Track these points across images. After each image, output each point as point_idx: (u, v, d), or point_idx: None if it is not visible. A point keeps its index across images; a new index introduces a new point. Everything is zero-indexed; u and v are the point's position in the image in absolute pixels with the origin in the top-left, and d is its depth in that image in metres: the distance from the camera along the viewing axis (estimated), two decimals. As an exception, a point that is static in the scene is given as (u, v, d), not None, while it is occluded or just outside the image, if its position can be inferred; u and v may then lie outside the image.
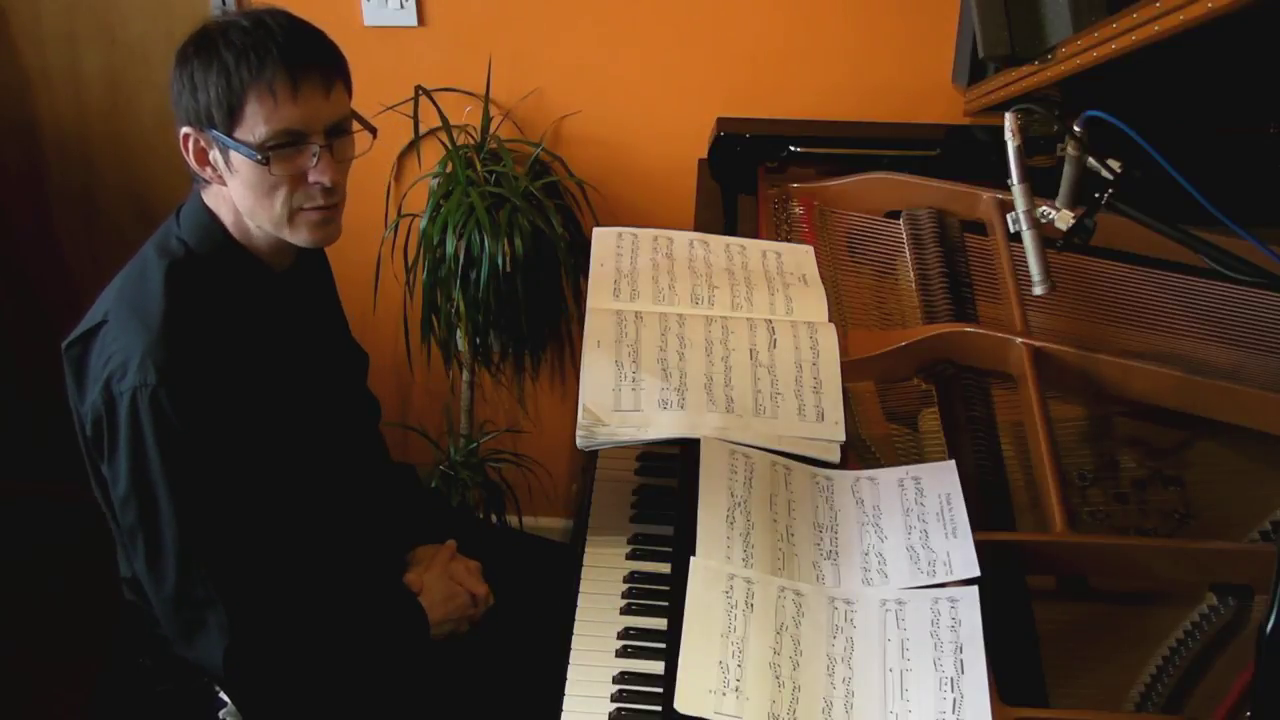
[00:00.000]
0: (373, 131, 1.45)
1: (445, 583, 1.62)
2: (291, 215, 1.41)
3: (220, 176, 1.40)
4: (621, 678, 1.35)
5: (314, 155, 1.38)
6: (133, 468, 1.36)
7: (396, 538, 1.70)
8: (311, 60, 1.37)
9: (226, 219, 1.45)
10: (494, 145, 2.24)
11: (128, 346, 1.36)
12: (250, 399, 1.42)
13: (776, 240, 1.81)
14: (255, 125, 1.35)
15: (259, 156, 1.35)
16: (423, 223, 2.23)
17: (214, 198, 1.45)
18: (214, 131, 1.36)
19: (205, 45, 1.35)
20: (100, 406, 1.37)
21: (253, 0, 2.28)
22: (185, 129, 1.38)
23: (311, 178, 1.39)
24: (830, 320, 1.61)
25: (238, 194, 1.41)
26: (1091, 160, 1.41)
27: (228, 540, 1.40)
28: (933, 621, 1.25)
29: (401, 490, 1.79)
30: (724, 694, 1.17)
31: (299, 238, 1.44)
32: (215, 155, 1.39)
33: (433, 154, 2.31)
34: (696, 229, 1.83)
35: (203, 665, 1.44)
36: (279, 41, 1.35)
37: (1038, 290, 1.43)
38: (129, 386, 1.34)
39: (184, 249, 1.43)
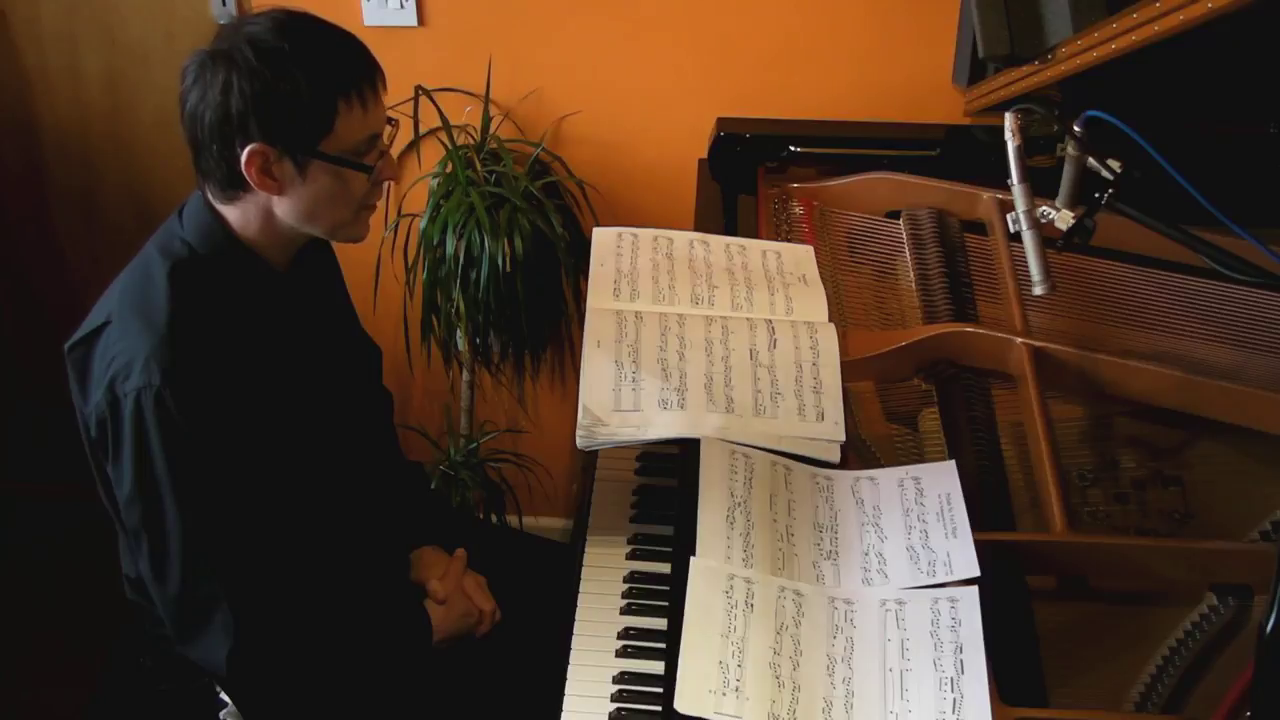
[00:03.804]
0: (393, 125, 1.46)
1: (463, 600, 1.63)
2: (356, 215, 1.45)
3: (279, 187, 1.38)
4: (621, 678, 1.35)
5: (381, 154, 1.43)
6: (137, 468, 1.36)
7: (401, 538, 1.70)
8: (374, 62, 1.40)
9: (245, 222, 1.42)
10: (494, 145, 2.24)
11: (131, 347, 1.36)
12: (256, 398, 1.41)
13: (776, 240, 1.81)
14: (347, 135, 1.36)
15: (365, 166, 1.39)
16: (423, 223, 2.23)
17: (243, 204, 1.41)
18: (299, 147, 1.34)
19: (273, 62, 1.31)
20: (104, 408, 1.36)
21: (254, 1, 2.29)
22: (254, 146, 1.33)
23: (384, 175, 1.44)
24: (830, 320, 1.61)
25: (300, 202, 1.39)
26: (1091, 160, 1.41)
27: (233, 539, 1.40)
28: (933, 621, 1.25)
29: (409, 489, 1.79)
30: (724, 694, 1.17)
31: (351, 234, 1.47)
32: (286, 169, 1.36)
33: (433, 154, 2.31)
34: (696, 229, 1.83)
35: (206, 665, 1.44)
36: (349, 49, 1.37)
37: (1038, 290, 1.43)
38: (133, 387, 1.34)
39: (188, 250, 1.42)
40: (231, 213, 1.42)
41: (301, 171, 1.37)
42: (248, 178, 1.35)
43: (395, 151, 2.29)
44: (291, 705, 1.51)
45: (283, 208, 1.40)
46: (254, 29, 1.34)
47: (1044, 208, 1.46)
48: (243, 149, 1.34)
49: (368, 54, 1.39)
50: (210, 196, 1.42)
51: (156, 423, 1.33)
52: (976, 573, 1.28)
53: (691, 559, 1.28)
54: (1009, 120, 1.45)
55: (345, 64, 1.36)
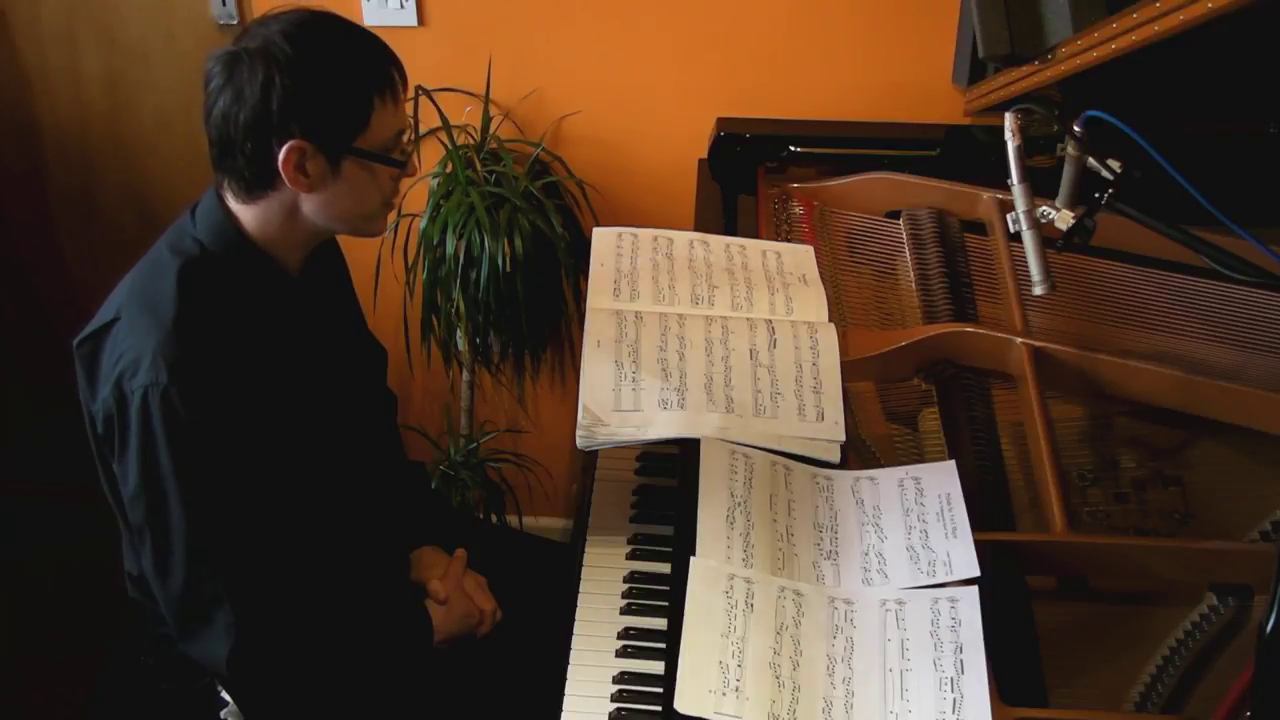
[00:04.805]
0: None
1: (464, 600, 1.63)
2: (381, 210, 1.47)
3: (310, 184, 1.37)
4: (621, 678, 1.35)
5: (405, 150, 1.45)
6: (143, 465, 1.36)
7: (401, 538, 1.70)
8: (398, 59, 1.41)
9: (265, 220, 1.41)
10: (494, 145, 2.24)
11: (139, 344, 1.35)
12: (263, 398, 1.41)
13: (776, 240, 1.81)
14: (380, 131, 1.38)
15: (398, 161, 1.41)
16: (423, 223, 2.23)
17: (266, 203, 1.40)
18: (337, 143, 1.35)
19: (314, 59, 1.32)
20: (111, 404, 1.36)
21: (254, 2, 2.28)
22: (293, 143, 1.32)
23: (412, 170, 1.47)
24: (830, 320, 1.61)
25: (331, 198, 1.39)
26: (1091, 160, 1.41)
27: (236, 538, 1.40)
28: (933, 621, 1.25)
29: (410, 489, 1.79)
30: (724, 694, 1.17)
31: (372, 229, 1.49)
32: (320, 165, 1.36)
33: (433, 154, 2.31)
34: (696, 229, 1.83)
35: (207, 663, 1.44)
36: (377, 47, 1.38)
37: (1038, 290, 1.43)
38: (140, 384, 1.34)
39: (199, 248, 1.42)
40: (251, 212, 1.42)
41: (335, 168, 1.37)
42: (284, 175, 1.35)
43: (395, 151, 2.31)
44: (292, 705, 1.51)
45: (311, 205, 1.40)
46: (284, 27, 1.33)
47: (1044, 208, 1.46)
48: (280, 146, 1.33)
49: (391, 51, 1.40)
50: (229, 196, 1.42)
51: (162, 420, 1.33)
52: (976, 573, 1.28)
53: (691, 559, 1.28)
54: (1009, 120, 1.45)
55: (377, 61, 1.37)
